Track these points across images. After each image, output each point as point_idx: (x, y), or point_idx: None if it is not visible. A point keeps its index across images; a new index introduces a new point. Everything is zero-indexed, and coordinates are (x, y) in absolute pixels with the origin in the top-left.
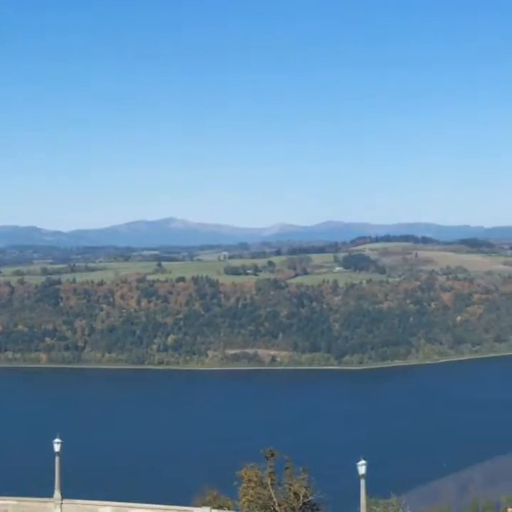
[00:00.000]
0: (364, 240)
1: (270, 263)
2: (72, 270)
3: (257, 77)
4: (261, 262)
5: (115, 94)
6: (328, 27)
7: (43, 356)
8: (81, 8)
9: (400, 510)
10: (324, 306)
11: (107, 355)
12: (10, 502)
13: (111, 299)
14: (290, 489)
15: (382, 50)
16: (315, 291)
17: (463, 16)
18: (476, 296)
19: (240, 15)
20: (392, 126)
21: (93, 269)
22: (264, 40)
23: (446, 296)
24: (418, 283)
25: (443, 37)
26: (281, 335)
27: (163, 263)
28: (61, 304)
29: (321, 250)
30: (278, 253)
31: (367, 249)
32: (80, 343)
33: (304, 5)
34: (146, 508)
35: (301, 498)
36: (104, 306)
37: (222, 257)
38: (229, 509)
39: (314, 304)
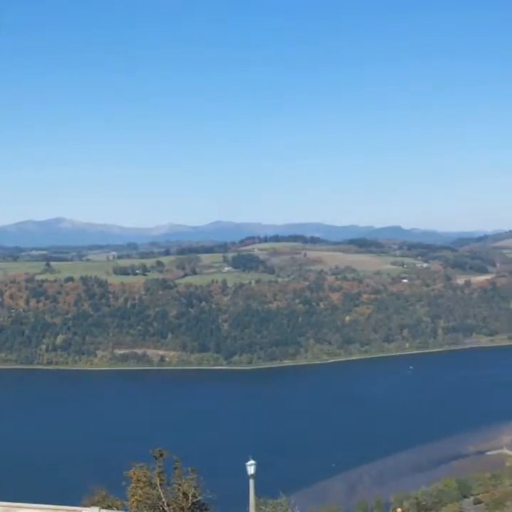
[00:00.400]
0: (253, 240)
1: (159, 263)
2: None
3: (141, 76)
4: (150, 262)
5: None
6: None
7: None
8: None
9: (289, 510)
10: (213, 306)
11: None
12: None
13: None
14: (179, 489)
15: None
16: (204, 291)
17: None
18: (364, 296)
19: None
20: (280, 126)
21: None
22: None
23: (335, 296)
24: (307, 283)
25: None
26: (170, 335)
27: (52, 263)
28: None
29: (210, 250)
30: (167, 253)
31: (256, 249)
32: None
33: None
34: (35, 508)
35: (190, 498)
36: None
37: (111, 257)
38: (118, 509)
39: (203, 303)
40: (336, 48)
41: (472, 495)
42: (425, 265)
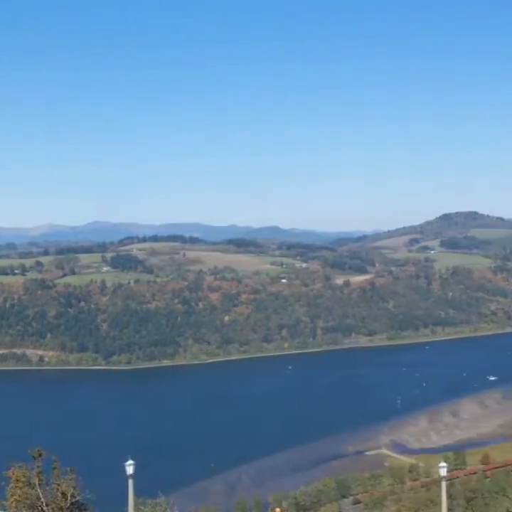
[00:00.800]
0: (132, 240)
1: (38, 263)
2: None
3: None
4: (29, 262)
5: None
6: None
7: None
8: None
9: (168, 510)
10: (92, 306)
11: None
12: None
13: None
14: (58, 489)
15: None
16: (83, 291)
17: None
18: (243, 296)
19: None
20: (160, 125)
21: None
22: None
23: (213, 296)
24: (186, 283)
25: None
26: (49, 335)
27: None
28: None
29: (88, 250)
30: (46, 253)
31: (135, 250)
32: None
33: None
34: None
35: (69, 498)
36: None
37: None
38: None
39: (82, 303)
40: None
41: (351, 495)
42: (304, 265)
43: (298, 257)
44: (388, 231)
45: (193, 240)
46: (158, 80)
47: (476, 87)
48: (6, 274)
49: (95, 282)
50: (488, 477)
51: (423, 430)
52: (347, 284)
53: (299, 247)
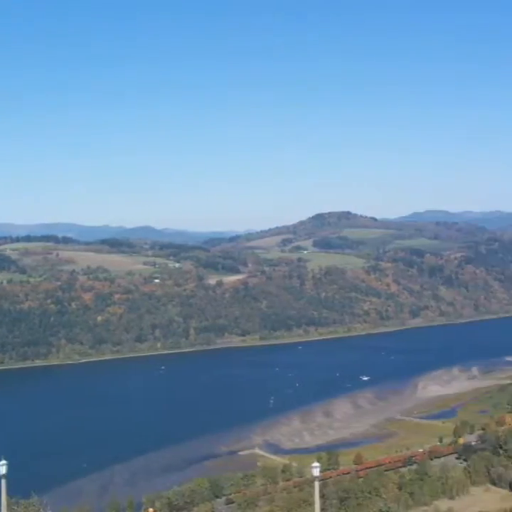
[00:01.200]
0: (5, 240)
1: None
2: None
3: None
4: None
5: None
6: None
7: None
8: None
9: (41, 510)
10: None
11: None
12: None
13: None
14: None
15: None
16: None
17: None
18: (116, 296)
19: None
20: (32, 124)
21: None
22: None
23: (86, 296)
24: (59, 283)
25: None
26: None
27: None
28: None
29: None
30: None
31: (8, 249)
32: None
33: None
34: None
35: None
36: None
37: None
38: None
39: None
40: None
41: (224, 495)
42: (177, 265)
43: (171, 257)
44: (261, 231)
45: (67, 240)
46: (37, 78)
47: (347, 88)
48: None
49: None
50: (361, 477)
51: (296, 430)
52: (220, 284)
53: (172, 247)
